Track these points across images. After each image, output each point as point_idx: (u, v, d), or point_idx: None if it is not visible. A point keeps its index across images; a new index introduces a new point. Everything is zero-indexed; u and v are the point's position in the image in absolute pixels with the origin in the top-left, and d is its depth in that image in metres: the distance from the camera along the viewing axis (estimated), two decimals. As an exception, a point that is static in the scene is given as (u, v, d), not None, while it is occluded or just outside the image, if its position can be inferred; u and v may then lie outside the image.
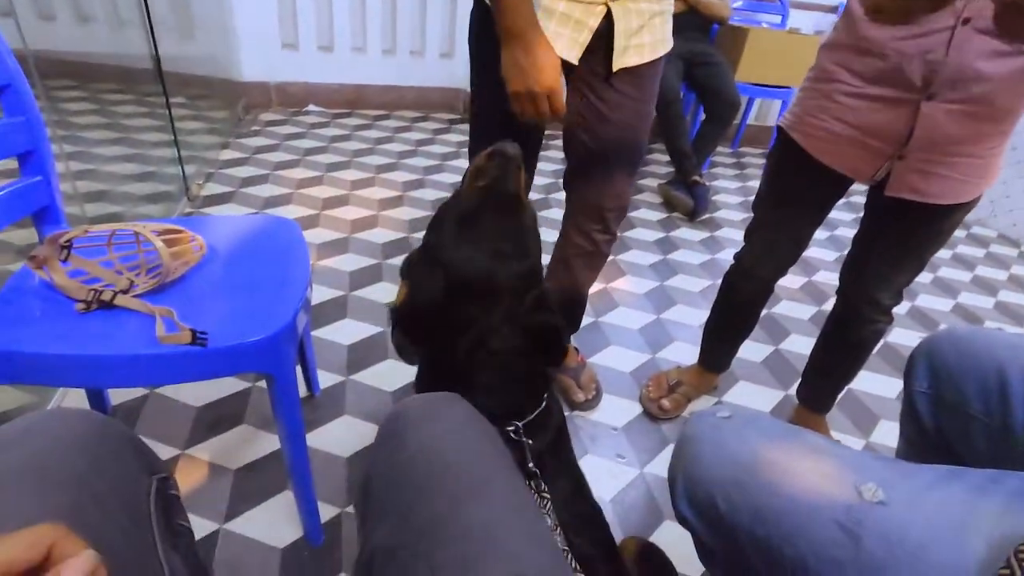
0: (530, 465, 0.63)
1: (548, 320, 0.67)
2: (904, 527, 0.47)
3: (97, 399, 1.10)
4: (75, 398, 1.12)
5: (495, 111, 0.98)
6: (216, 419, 1.14)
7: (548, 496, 0.61)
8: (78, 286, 0.74)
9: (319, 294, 1.55)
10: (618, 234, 1.20)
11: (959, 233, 2.64)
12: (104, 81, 2.41)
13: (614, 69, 0.92)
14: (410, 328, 0.67)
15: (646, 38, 0.93)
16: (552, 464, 0.67)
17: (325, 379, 1.27)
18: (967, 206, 0.93)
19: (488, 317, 0.63)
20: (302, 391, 1.22)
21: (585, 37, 0.90)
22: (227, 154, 2.37)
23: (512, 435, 0.65)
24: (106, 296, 0.73)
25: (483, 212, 0.66)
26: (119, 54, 1.99)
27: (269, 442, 1.10)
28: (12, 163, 0.83)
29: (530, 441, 0.65)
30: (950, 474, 0.51)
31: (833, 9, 3.24)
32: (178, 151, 1.97)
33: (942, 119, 0.84)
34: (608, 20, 0.89)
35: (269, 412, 1.16)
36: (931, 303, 2.03)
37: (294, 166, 2.34)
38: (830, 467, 0.53)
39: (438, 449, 0.46)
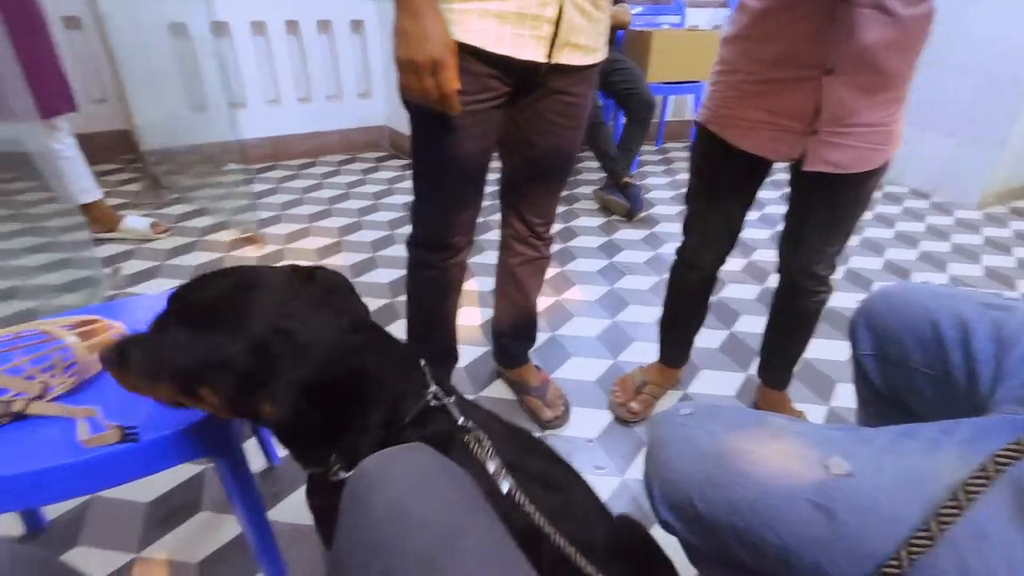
0: (460, 421, 0.60)
1: (321, 274, 0.66)
2: (873, 494, 0.47)
3: (30, 516, 1.00)
4: (6, 517, 1.02)
5: (440, 169, 0.96)
6: (169, 512, 1.05)
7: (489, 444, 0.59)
8: (-17, 401, 0.67)
9: (266, 357, 1.48)
10: (555, 239, 1.22)
11: (876, 193, 2.81)
12: (2, 171, 2.27)
13: (552, 61, 0.90)
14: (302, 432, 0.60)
15: (584, 39, 0.92)
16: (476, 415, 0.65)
17: (284, 446, 1.20)
18: (880, 171, 0.98)
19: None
20: (261, 463, 1.15)
21: (547, 31, 0.87)
22: (148, 227, 2.26)
23: (433, 401, 0.61)
24: (17, 406, 0.66)
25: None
26: (11, 139, 1.87)
27: (233, 525, 1.03)
28: None
29: (452, 398, 0.63)
30: (904, 433, 0.53)
31: (723, 3, 3.43)
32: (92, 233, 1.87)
33: (843, 92, 0.88)
34: (558, 15, 0.87)
35: (227, 493, 1.08)
36: (863, 263, 2.13)
37: (221, 229, 2.26)
38: (794, 447, 0.54)
39: (404, 509, 0.44)
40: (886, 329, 0.72)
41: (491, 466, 0.58)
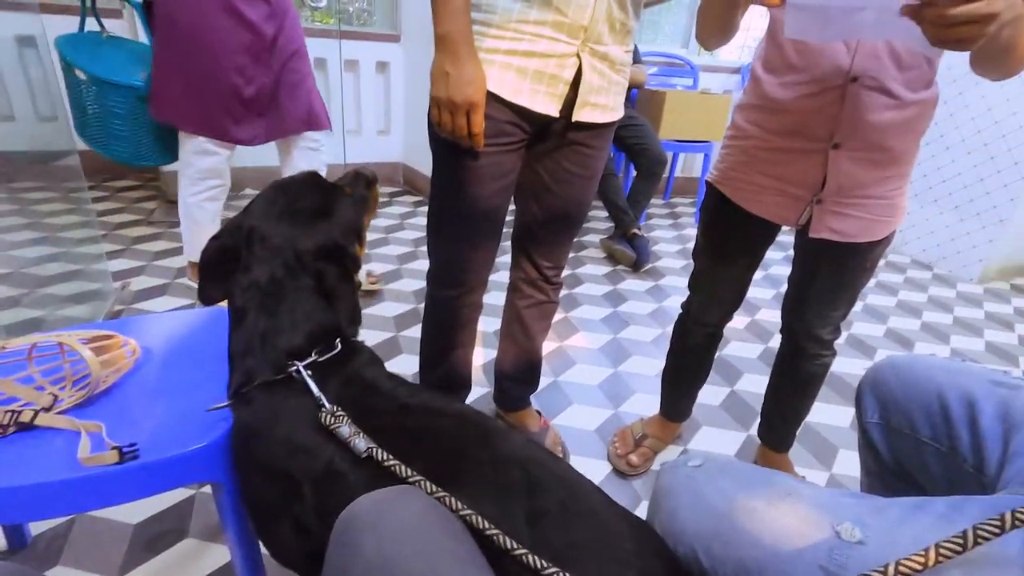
0: (323, 411, 0.59)
1: (327, 268, 0.72)
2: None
3: (15, 530, 0.98)
4: (-12, 532, 1.00)
5: (457, 205, 0.99)
6: (155, 536, 1.03)
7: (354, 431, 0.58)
8: (-8, 408, 0.67)
9: (266, 383, 1.47)
10: (562, 284, 1.25)
11: (879, 263, 2.84)
12: (25, 179, 2.31)
13: (573, 119, 0.95)
14: (206, 275, 0.74)
15: (602, 99, 0.97)
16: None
17: (277, 475, 1.18)
18: (884, 241, 1.01)
19: (282, 269, 0.69)
20: (252, 492, 1.13)
21: (562, 90, 0.92)
22: (160, 244, 2.29)
23: (294, 376, 0.64)
24: (25, 416, 0.66)
25: (297, 185, 0.77)
26: (41, 151, 1.92)
27: (219, 554, 1.00)
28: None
29: (308, 374, 0.63)
30: (916, 506, 0.52)
31: (736, 70, 3.57)
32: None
33: (848, 165, 0.92)
34: (577, 76, 0.92)
35: (215, 520, 1.06)
36: (865, 330, 2.14)
37: (233, 251, 2.28)
38: (805, 509, 0.54)
39: (397, 554, 0.43)
40: (894, 399, 0.73)
41: (344, 431, 0.58)
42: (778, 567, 0.51)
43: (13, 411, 0.67)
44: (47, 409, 0.69)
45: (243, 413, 0.65)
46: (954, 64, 2.41)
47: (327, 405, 0.60)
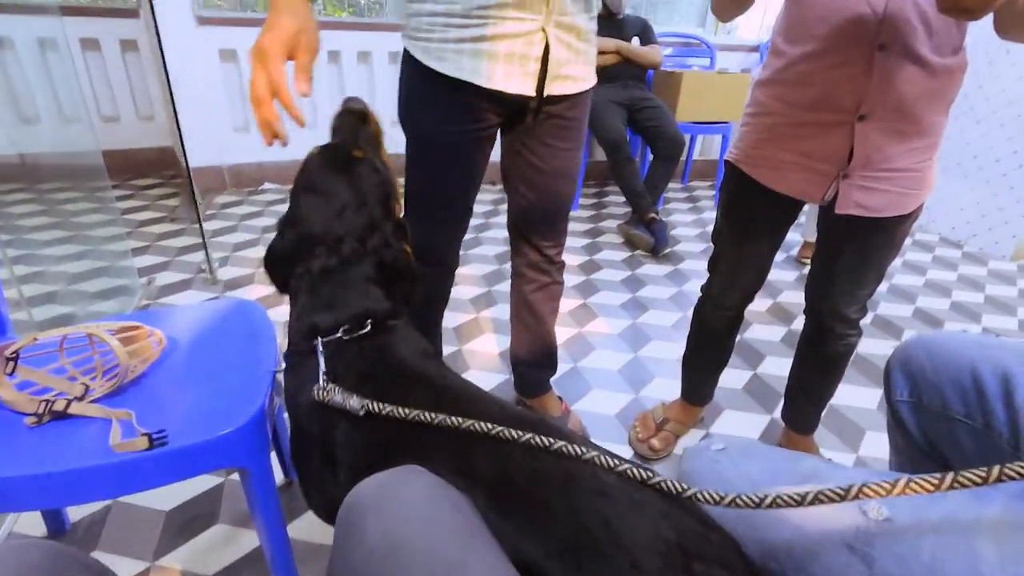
0: (321, 381, 0.63)
1: (395, 255, 0.78)
2: (914, 543, 0.46)
3: (54, 516, 1.02)
4: (30, 516, 1.03)
5: (431, 193, 1.02)
6: (187, 522, 1.06)
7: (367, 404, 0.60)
8: (27, 399, 0.69)
9: (289, 373, 1.49)
10: (578, 271, 1.25)
11: (906, 240, 2.77)
12: (51, 180, 2.37)
13: (544, 94, 0.96)
14: (270, 271, 0.78)
15: (572, 70, 0.98)
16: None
17: (303, 462, 1.20)
18: (912, 215, 0.98)
19: (328, 258, 0.73)
20: (279, 478, 1.15)
21: (533, 68, 0.93)
22: (183, 240, 2.33)
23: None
24: (59, 406, 0.68)
25: (323, 173, 0.78)
26: (66, 152, 1.96)
27: (248, 539, 1.02)
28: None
29: (321, 350, 0.67)
30: (947, 484, 0.51)
31: (754, 48, 3.48)
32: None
33: (875, 137, 0.89)
34: (545, 51, 0.92)
35: (245, 507, 1.08)
36: (892, 311, 2.09)
37: (253, 245, 2.31)
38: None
39: (400, 535, 0.42)
40: (924, 376, 0.71)
41: (337, 399, 0.61)
42: (806, 549, 0.50)
43: (47, 401, 0.69)
44: (79, 398, 0.70)
45: (286, 376, 0.73)
46: (979, 36, 2.32)
47: (320, 381, 0.64)
